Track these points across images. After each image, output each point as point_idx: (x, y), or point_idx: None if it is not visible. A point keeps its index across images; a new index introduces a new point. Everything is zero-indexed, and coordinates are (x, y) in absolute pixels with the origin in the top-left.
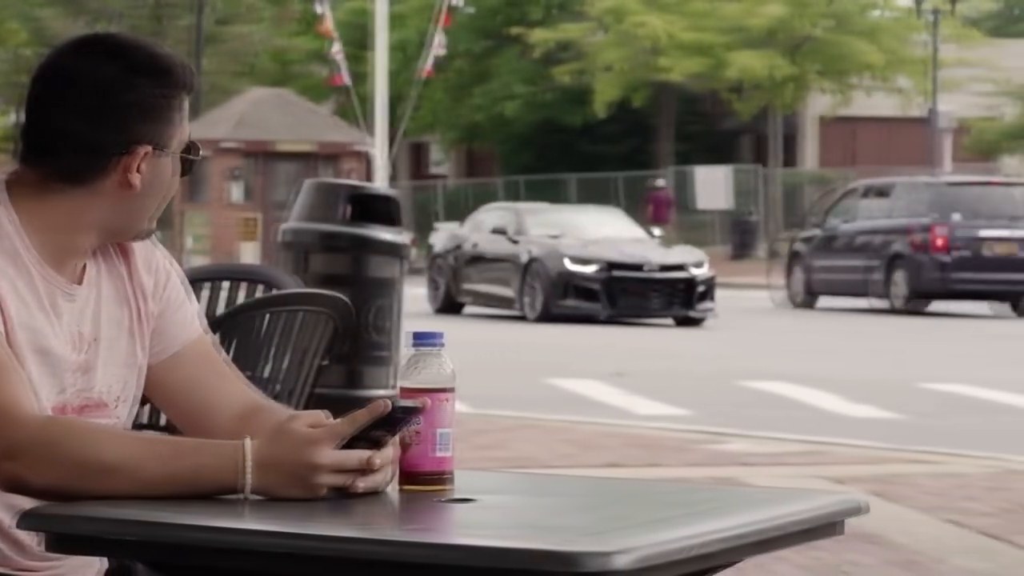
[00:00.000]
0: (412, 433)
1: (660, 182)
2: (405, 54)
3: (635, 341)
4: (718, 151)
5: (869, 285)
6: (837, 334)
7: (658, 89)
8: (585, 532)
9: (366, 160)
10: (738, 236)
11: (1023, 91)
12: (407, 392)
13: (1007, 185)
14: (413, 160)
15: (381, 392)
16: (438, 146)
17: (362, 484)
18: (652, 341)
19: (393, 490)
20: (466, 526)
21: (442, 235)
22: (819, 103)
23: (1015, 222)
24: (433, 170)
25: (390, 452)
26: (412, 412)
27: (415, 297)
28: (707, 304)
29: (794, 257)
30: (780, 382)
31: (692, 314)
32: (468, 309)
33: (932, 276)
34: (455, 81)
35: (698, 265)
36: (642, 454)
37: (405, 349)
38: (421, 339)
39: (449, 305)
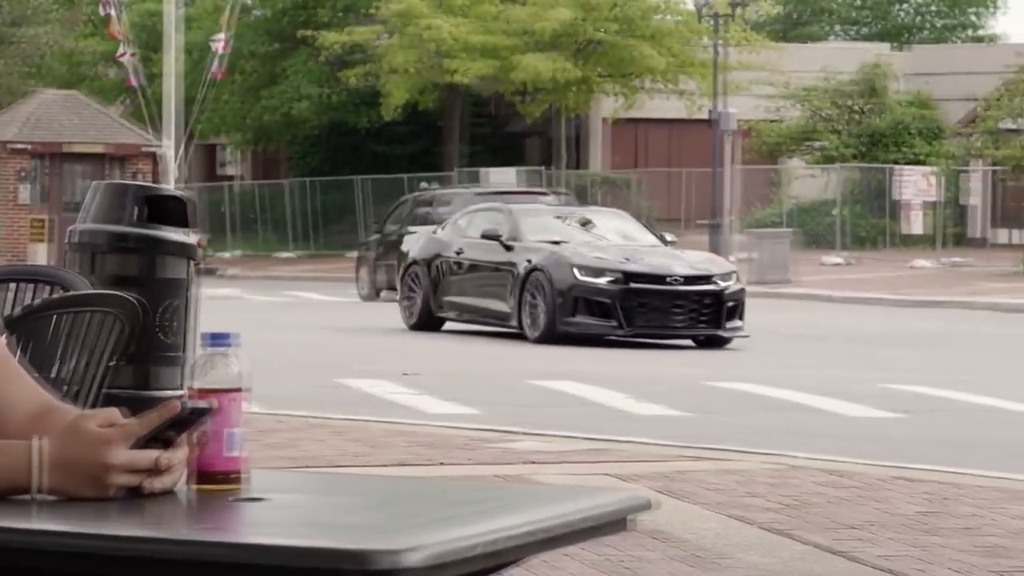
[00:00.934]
0: (203, 433)
1: (424, 184)
2: (195, 56)
3: (428, 341)
4: (506, 152)
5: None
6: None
7: (447, 91)
8: (375, 530)
9: (157, 161)
10: None
11: (804, 94)
12: (198, 392)
13: (543, 194)
14: (205, 161)
15: (173, 392)
16: (229, 147)
17: (154, 484)
18: (444, 341)
19: (186, 490)
20: (258, 525)
21: (418, 240)
22: (606, 106)
23: None
24: (224, 171)
25: (181, 452)
26: (203, 412)
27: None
28: (736, 323)
29: (360, 259)
30: (568, 381)
31: (721, 334)
32: (450, 325)
33: None
34: (245, 83)
35: (726, 277)
36: (431, 453)
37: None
38: (213, 339)
39: (428, 320)
